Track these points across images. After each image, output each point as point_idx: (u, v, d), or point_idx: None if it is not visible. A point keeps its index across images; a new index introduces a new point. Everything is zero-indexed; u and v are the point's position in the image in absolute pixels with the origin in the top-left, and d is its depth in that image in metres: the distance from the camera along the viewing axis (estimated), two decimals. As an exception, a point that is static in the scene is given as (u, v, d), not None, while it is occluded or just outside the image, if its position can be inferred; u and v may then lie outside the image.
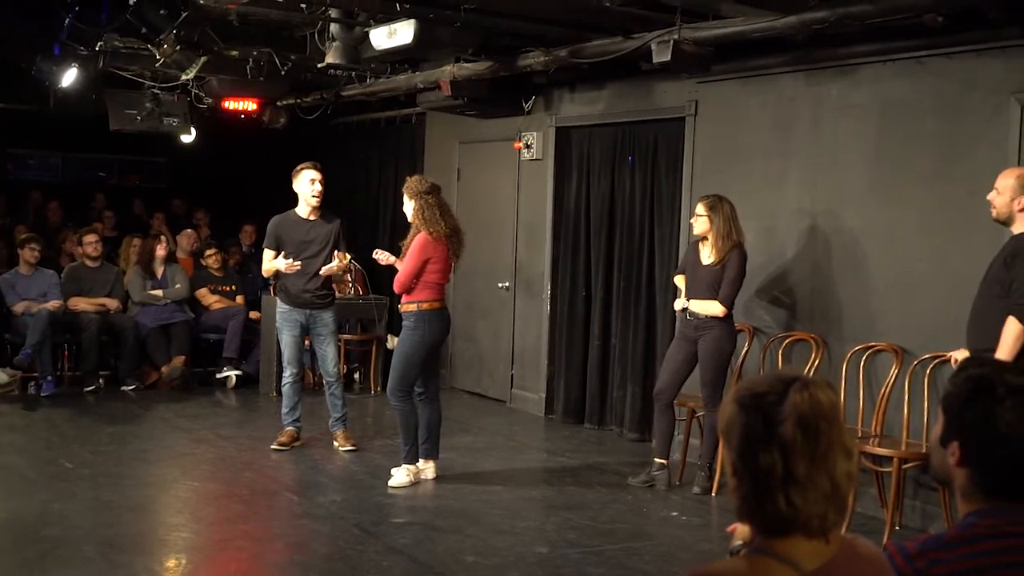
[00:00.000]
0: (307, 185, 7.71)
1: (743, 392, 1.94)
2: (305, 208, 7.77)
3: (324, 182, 7.75)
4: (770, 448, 1.86)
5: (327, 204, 7.96)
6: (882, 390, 6.47)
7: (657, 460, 7.08)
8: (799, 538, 1.87)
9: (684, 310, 6.97)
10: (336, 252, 7.72)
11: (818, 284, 7.06)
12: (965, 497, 2.19)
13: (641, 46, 7.05)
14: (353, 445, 7.89)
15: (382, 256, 7.28)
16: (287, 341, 7.86)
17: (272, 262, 7.72)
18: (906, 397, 6.33)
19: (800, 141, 7.18)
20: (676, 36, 6.66)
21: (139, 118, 10.46)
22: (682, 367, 6.97)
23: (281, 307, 7.82)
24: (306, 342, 8.10)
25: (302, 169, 7.75)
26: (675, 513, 6.60)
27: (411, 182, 6.92)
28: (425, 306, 6.78)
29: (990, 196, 5.28)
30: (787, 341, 7.12)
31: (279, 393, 9.81)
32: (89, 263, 10.29)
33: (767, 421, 1.87)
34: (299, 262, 7.62)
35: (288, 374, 7.89)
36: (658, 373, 7.37)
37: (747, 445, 1.89)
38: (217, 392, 10.19)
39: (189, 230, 11.90)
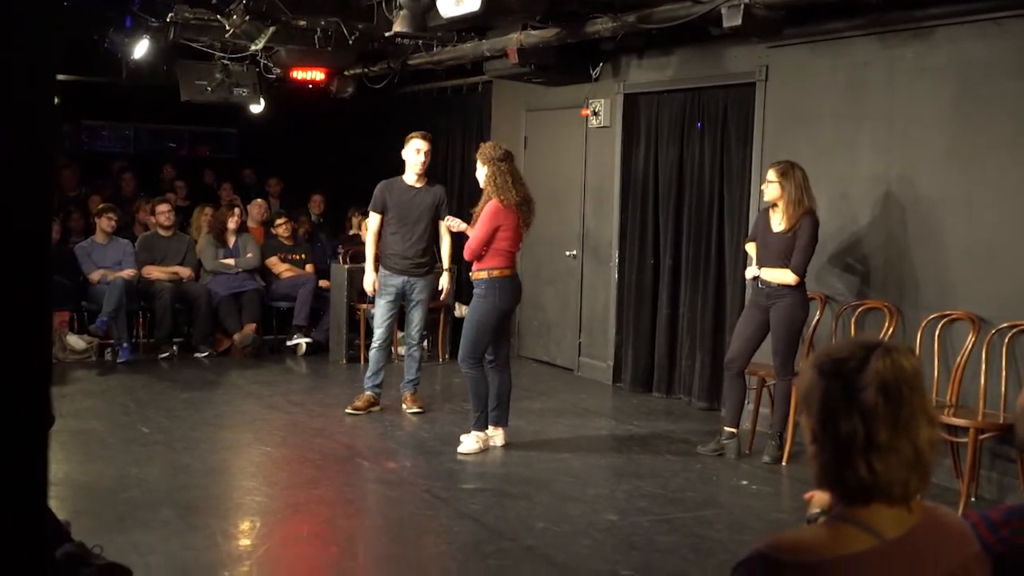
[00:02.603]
0: (413, 154, 7.86)
1: (823, 358, 1.92)
2: (411, 175, 7.90)
3: (430, 152, 7.91)
4: (851, 415, 1.84)
5: (394, 171, 8.07)
6: (958, 359, 6.37)
7: (727, 428, 7.05)
8: (881, 506, 1.85)
9: (755, 278, 6.92)
10: (441, 220, 7.82)
11: (892, 251, 6.96)
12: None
13: (711, 10, 6.97)
14: (420, 407, 8.02)
15: (454, 223, 7.32)
16: (380, 304, 8.01)
17: (367, 275, 8.00)
18: (983, 367, 6.23)
19: (874, 106, 7.06)
20: (747, 0, 6.57)
21: (209, 89, 10.58)
22: (753, 336, 6.92)
23: (382, 271, 7.95)
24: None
25: (411, 138, 7.90)
26: (745, 482, 6.58)
27: (485, 148, 6.94)
28: (496, 273, 6.80)
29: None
30: (860, 310, 7.03)
31: (348, 360, 10.01)
32: (162, 232, 10.47)
33: (848, 387, 1.86)
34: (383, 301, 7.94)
35: (377, 338, 8.02)
36: (728, 342, 7.33)
37: (827, 412, 1.87)
38: (287, 359, 10.33)
39: (259, 200, 12.04)
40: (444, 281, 8.09)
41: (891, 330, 6.73)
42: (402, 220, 7.88)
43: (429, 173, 8.01)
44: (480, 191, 6.96)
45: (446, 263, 8.08)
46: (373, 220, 8.01)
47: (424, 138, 7.88)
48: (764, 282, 6.83)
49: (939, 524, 1.93)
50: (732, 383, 7.04)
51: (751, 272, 6.98)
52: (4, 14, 1.20)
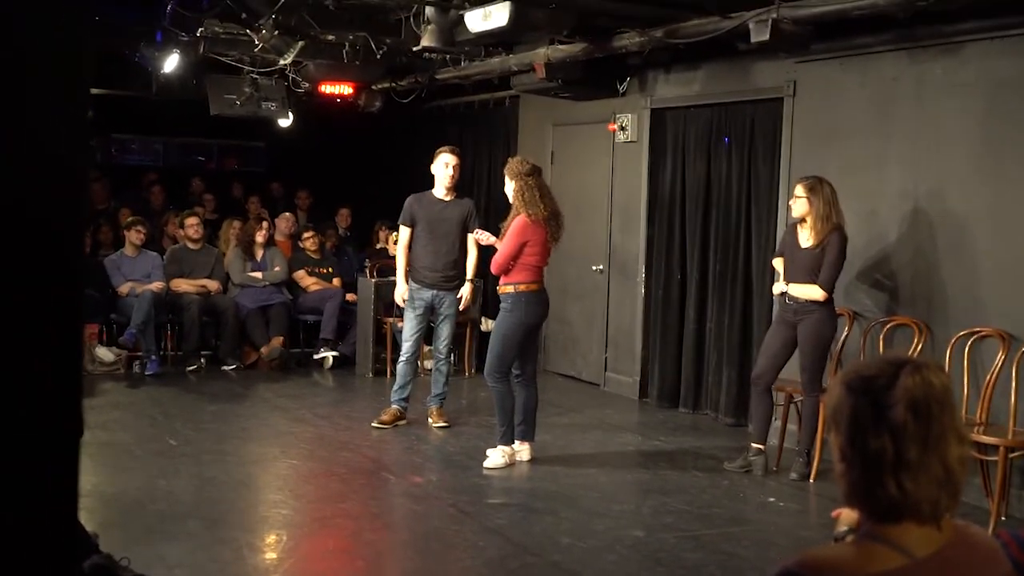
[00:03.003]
0: (442, 168, 7.91)
1: (851, 375, 1.91)
2: (441, 189, 7.94)
3: (459, 167, 7.97)
4: (880, 432, 1.83)
5: (421, 185, 8.12)
6: (988, 377, 6.32)
7: (754, 445, 7.02)
8: (910, 524, 1.84)
9: (783, 294, 6.89)
10: (470, 234, 7.83)
11: (921, 267, 6.91)
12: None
13: (738, 25, 6.96)
14: (446, 422, 8.05)
15: (482, 236, 7.34)
16: (408, 318, 8.03)
17: (399, 285, 8.04)
18: (1013, 384, 6.17)
19: (902, 121, 7.03)
20: (775, 15, 6.57)
21: (238, 103, 10.64)
22: (781, 352, 6.89)
23: (412, 284, 7.98)
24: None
25: (440, 152, 7.96)
26: (772, 499, 6.54)
27: (512, 163, 6.96)
28: (522, 287, 6.80)
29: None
30: (888, 326, 6.99)
31: (375, 374, 10.03)
32: (191, 245, 10.54)
33: (877, 404, 1.85)
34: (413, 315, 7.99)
35: (404, 352, 8.05)
36: (755, 358, 7.30)
37: (856, 429, 1.86)
38: (314, 373, 10.36)
39: (287, 213, 12.08)
40: (465, 291, 8.06)
41: (920, 347, 6.69)
42: (431, 233, 7.92)
43: (457, 187, 8.04)
44: (509, 205, 6.98)
45: (470, 274, 8.08)
46: (403, 233, 8.05)
47: (453, 152, 7.93)
48: (792, 298, 6.81)
49: (969, 543, 1.92)
50: (759, 399, 7.00)
51: (779, 288, 6.95)
52: (39, 30, 1.21)
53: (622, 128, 9.43)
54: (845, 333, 7.21)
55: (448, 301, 8.02)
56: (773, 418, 7.15)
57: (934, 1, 5.90)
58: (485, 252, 7.69)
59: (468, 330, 10.42)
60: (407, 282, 8.01)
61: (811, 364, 6.76)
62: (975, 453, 6.09)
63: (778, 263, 7.06)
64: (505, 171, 6.97)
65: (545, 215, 6.79)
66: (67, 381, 1.27)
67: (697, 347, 8.84)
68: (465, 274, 8.07)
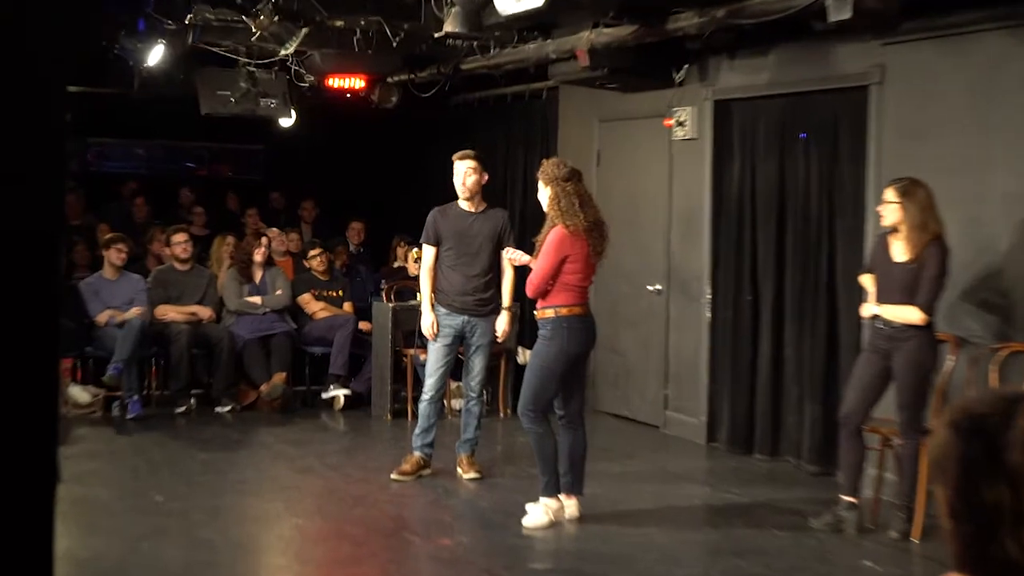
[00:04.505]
0: (459, 178, 7.94)
1: (958, 414, 1.90)
2: (463, 200, 7.98)
3: (481, 171, 7.97)
4: (996, 481, 1.81)
5: (444, 194, 8.17)
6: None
7: (844, 498, 6.96)
8: (1032, 591, 1.82)
9: (874, 317, 6.85)
10: (504, 251, 7.84)
11: (1038, 284, 6.87)
12: None
13: (814, 2, 6.95)
14: (478, 472, 8.02)
15: (515, 255, 7.35)
16: (434, 348, 8.04)
17: (424, 316, 8.00)
18: None
19: (1010, 112, 6.98)
20: (858, -12, 6.56)
21: (233, 100, 10.75)
22: (872, 386, 6.85)
23: (439, 309, 8.00)
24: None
25: (455, 160, 7.99)
26: (868, 562, 6.49)
27: (547, 166, 6.97)
28: (564, 311, 6.80)
29: None
30: (1001, 354, 6.93)
31: (394, 415, 10.06)
32: (178, 266, 10.61)
33: (991, 448, 1.83)
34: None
35: (428, 388, 8.05)
36: (843, 393, 7.26)
37: (967, 479, 1.85)
38: (323, 414, 10.40)
39: (275, 230, 12.05)
40: (502, 322, 8.07)
41: (1039, 378, 6.64)
42: (460, 251, 7.95)
43: (486, 196, 8.06)
44: (543, 216, 6.99)
45: (506, 301, 8.08)
46: (427, 254, 8.06)
47: (466, 158, 7.93)
48: (884, 322, 6.77)
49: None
50: (849, 442, 6.95)
51: (868, 310, 6.92)
52: (13, 23, 1.23)
53: (680, 124, 9.44)
54: (949, 363, 7.16)
55: (481, 329, 8.03)
56: (866, 465, 7.10)
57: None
58: (522, 272, 7.69)
59: (503, 363, 10.43)
60: (432, 311, 8.03)
61: (910, 400, 6.71)
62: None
63: (867, 281, 7.03)
64: (539, 175, 6.98)
65: (586, 225, 6.78)
66: (42, 424, 1.28)
67: (774, 380, 8.80)
68: (501, 297, 8.08)
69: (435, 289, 8.05)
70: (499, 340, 8.19)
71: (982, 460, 1.83)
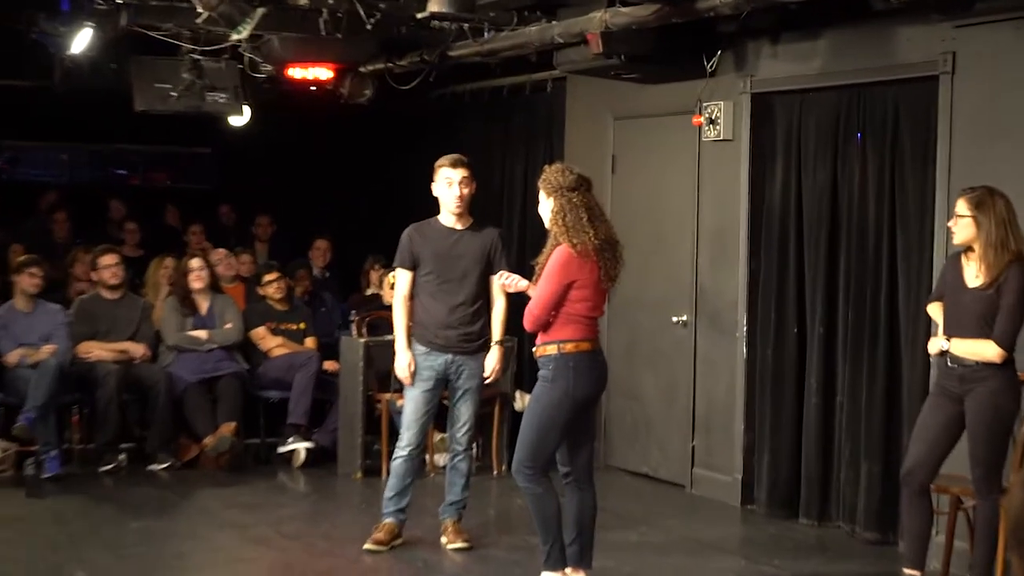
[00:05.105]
0: (444, 188, 7.95)
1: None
2: (448, 215, 8.00)
3: (470, 181, 7.98)
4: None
5: (428, 206, 8.17)
6: None
7: (908, 572, 6.96)
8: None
9: (943, 353, 6.85)
10: (494, 276, 7.84)
11: None
12: None
13: (873, -24, 7.01)
14: (466, 542, 8.01)
15: (509, 281, 7.34)
16: (412, 395, 8.02)
17: (399, 356, 7.98)
18: None
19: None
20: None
21: (174, 94, 10.75)
22: (942, 437, 6.85)
23: (416, 347, 8.00)
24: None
25: (439, 166, 7.99)
26: (933, 648, 6.50)
27: (549, 174, 6.97)
28: (569, 348, 6.80)
29: None
30: (1096, 398, 6.94)
31: (365, 473, 10.04)
32: (107, 294, 10.61)
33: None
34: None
35: (405, 443, 8.02)
36: (905, 446, 7.26)
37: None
38: (280, 473, 10.40)
39: (243, 251, 12.12)
40: (492, 359, 8.06)
41: None
42: (442, 277, 7.94)
43: (475, 210, 8.06)
44: (546, 233, 6.99)
45: (497, 334, 8.07)
46: (402, 279, 8.05)
47: (455, 164, 7.94)
48: (956, 359, 6.77)
49: None
50: (914, 504, 6.95)
51: (937, 345, 6.92)
52: None
53: (711, 121, 9.47)
54: (1034, 409, 7.17)
55: (468, 370, 8.02)
56: (934, 531, 7.10)
57: None
58: (519, 300, 7.68)
59: (496, 410, 10.42)
60: (409, 349, 8.02)
61: (986, 454, 6.71)
62: None
63: (935, 310, 7.03)
64: (540, 184, 6.97)
65: (596, 244, 6.77)
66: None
67: (823, 430, 8.80)
68: (491, 332, 8.08)
69: (412, 322, 8.05)
70: (488, 381, 8.17)
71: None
